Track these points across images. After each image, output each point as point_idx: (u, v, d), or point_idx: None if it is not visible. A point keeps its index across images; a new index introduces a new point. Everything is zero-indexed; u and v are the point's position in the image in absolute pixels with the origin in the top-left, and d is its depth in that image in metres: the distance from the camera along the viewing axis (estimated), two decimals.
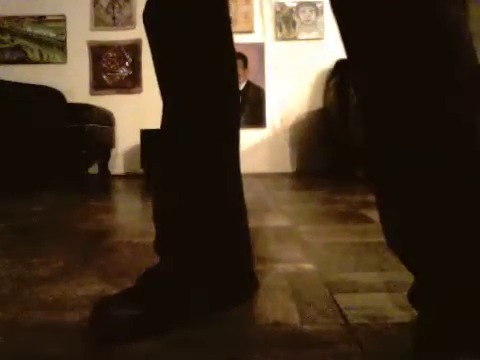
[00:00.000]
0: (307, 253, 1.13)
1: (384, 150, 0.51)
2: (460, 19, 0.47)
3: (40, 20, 4.07)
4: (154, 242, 0.78)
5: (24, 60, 4.07)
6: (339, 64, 3.60)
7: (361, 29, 0.49)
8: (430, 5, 0.46)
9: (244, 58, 3.86)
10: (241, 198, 0.80)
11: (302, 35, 3.88)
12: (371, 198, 2.13)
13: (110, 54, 4.08)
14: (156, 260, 0.76)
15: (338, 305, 0.77)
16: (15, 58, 4.08)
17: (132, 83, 4.05)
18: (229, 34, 0.76)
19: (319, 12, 3.86)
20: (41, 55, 4.09)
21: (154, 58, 0.77)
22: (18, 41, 4.09)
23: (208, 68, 0.73)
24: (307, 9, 3.87)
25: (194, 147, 0.74)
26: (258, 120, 3.88)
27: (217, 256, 0.75)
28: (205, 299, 0.72)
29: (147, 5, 0.75)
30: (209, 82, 0.73)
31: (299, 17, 3.88)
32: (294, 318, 0.72)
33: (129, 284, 0.75)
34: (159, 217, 0.77)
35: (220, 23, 0.74)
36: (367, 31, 0.49)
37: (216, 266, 0.75)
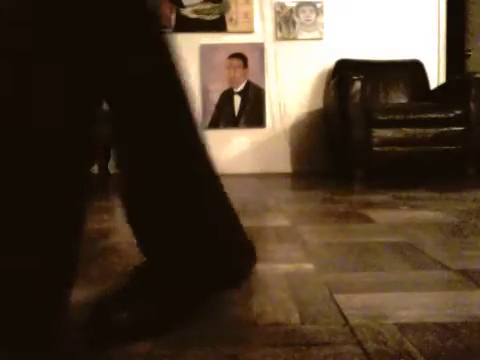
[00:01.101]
0: (307, 253, 1.13)
1: None
2: None
3: None
4: (137, 243, 0.76)
5: None
6: (339, 64, 3.60)
7: None
8: None
9: (244, 58, 3.86)
10: (225, 196, 0.79)
11: (302, 35, 3.88)
12: (371, 198, 2.13)
13: None
14: None
15: (338, 305, 0.77)
16: None
17: None
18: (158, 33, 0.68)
19: (319, 12, 3.86)
20: None
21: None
22: None
23: (148, 76, 0.67)
24: (307, 9, 3.87)
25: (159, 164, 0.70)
26: (258, 120, 3.87)
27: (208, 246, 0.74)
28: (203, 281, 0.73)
29: None
30: (153, 92, 0.68)
31: (299, 17, 3.88)
32: (294, 318, 0.72)
33: None
34: (137, 218, 0.74)
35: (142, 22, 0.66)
36: None
37: (210, 260, 0.75)
